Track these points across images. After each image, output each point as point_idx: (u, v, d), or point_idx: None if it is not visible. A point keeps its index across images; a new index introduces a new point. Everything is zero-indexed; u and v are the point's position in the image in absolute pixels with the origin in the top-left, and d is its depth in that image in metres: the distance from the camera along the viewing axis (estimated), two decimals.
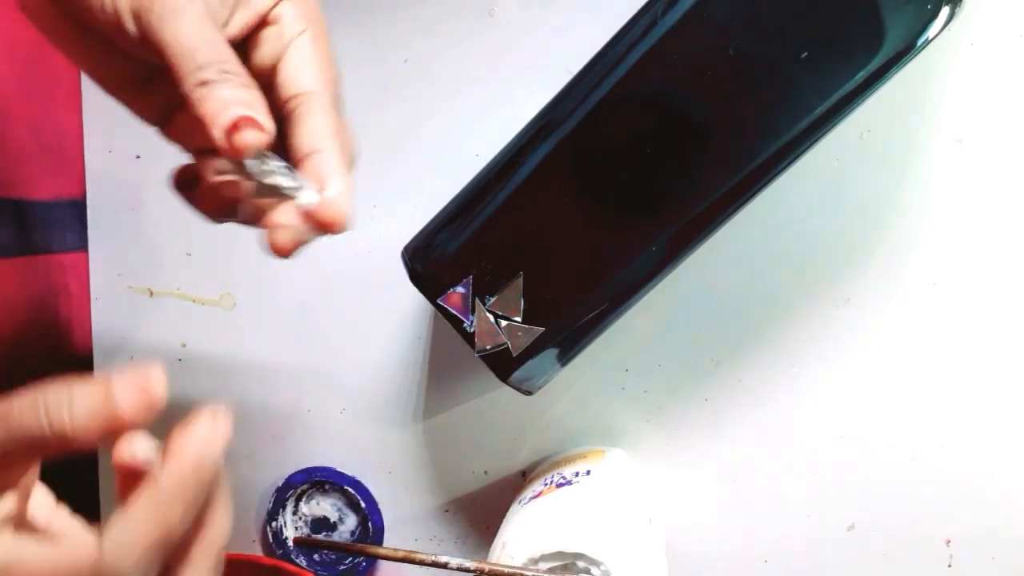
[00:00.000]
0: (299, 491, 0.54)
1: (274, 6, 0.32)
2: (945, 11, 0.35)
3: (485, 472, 0.52)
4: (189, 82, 0.28)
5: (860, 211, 0.45)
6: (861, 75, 0.36)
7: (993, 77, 0.43)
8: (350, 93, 0.49)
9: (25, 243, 0.49)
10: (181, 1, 0.29)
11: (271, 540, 0.54)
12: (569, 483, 0.44)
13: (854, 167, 0.44)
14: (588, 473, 0.45)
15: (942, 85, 0.43)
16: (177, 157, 0.35)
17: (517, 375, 0.42)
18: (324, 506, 0.54)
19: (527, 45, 0.46)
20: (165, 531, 0.26)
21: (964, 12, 0.36)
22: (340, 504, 0.54)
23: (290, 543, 0.54)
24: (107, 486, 0.55)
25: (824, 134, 0.37)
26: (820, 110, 0.37)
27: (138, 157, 0.51)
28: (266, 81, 0.32)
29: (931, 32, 0.36)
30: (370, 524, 0.53)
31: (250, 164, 0.30)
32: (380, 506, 0.53)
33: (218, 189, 0.32)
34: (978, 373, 0.45)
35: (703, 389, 0.48)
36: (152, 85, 0.33)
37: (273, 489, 0.53)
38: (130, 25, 0.29)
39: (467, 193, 0.41)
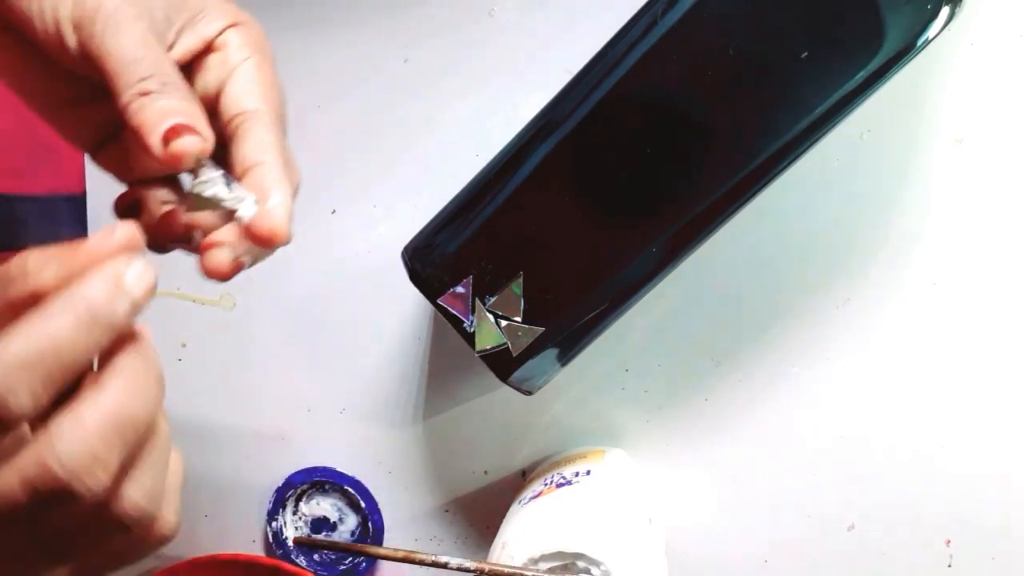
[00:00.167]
0: (299, 491, 0.54)
1: (220, 33, 0.31)
2: (945, 11, 0.35)
3: (485, 472, 0.52)
4: (129, 93, 0.27)
5: (860, 211, 0.45)
6: (861, 75, 0.36)
7: (993, 77, 0.43)
8: (351, 93, 0.49)
9: (12, 238, 0.49)
10: (126, 16, 0.28)
11: (271, 540, 0.54)
12: (569, 483, 0.44)
13: (854, 167, 0.44)
14: (588, 473, 0.45)
15: (942, 85, 0.43)
16: None
17: (517, 375, 0.42)
18: (324, 506, 0.54)
19: (527, 45, 0.46)
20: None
21: (964, 12, 0.36)
22: (340, 504, 0.54)
23: (290, 543, 0.54)
24: None
25: (824, 134, 0.37)
26: (820, 110, 0.37)
27: None
28: (210, 108, 0.31)
29: (931, 32, 0.36)
30: (370, 524, 0.53)
31: (188, 179, 0.29)
32: (380, 506, 0.53)
33: (162, 219, 0.31)
34: (978, 373, 0.45)
35: (703, 389, 0.48)
36: (85, 109, 0.32)
37: (273, 489, 0.53)
38: (70, 38, 0.28)
39: (467, 193, 0.41)
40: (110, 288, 0.24)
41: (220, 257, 0.29)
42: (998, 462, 0.46)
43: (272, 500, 0.53)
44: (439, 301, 0.42)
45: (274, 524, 0.54)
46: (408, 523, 0.53)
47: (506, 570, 0.40)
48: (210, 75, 0.31)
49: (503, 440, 0.51)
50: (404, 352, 0.51)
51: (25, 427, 0.24)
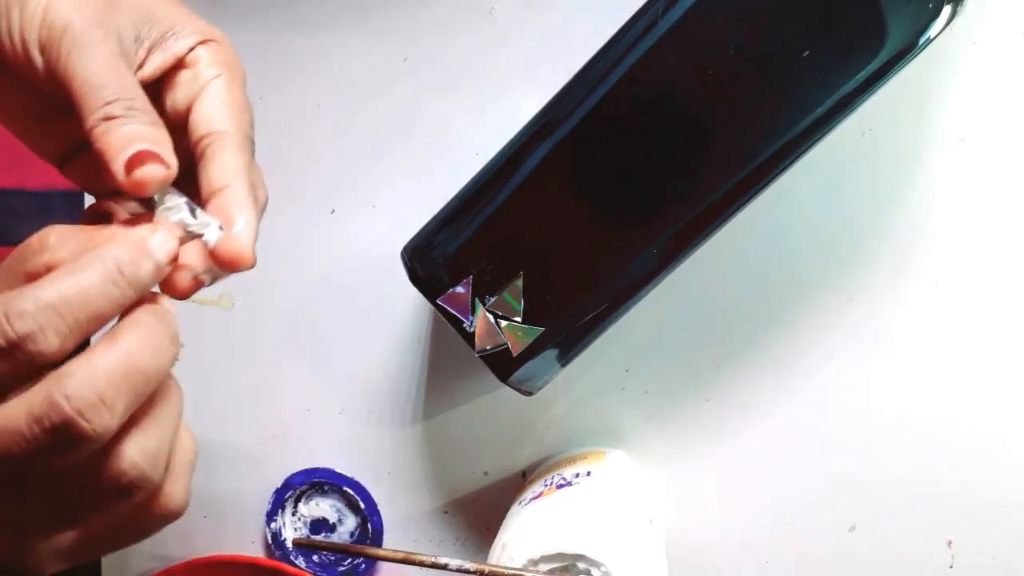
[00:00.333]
0: (298, 492, 0.53)
1: (190, 50, 0.31)
2: (947, 10, 0.35)
3: (485, 473, 0.52)
4: (94, 117, 0.28)
5: (862, 210, 0.45)
6: (862, 74, 0.36)
7: (995, 76, 0.42)
8: (351, 92, 0.49)
9: (5, 232, 0.49)
10: (92, 39, 0.28)
11: (270, 541, 0.54)
12: (569, 484, 0.44)
13: (856, 166, 0.44)
14: (588, 474, 0.45)
15: (944, 84, 0.43)
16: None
17: (517, 375, 0.42)
18: (323, 507, 0.54)
19: (527, 44, 0.46)
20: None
21: (966, 11, 0.36)
22: (339, 505, 0.54)
23: (289, 544, 0.54)
24: None
25: (826, 133, 0.37)
26: (821, 109, 0.37)
27: None
28: (179, 125, 0.31)
29: (932, 31, 0.36)
30: (369, 525, 0.53)
31: (154, 202, 0.29)
32: (379, 507, 0.53)
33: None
34: (980, 372, 0.45)
35: (703, 390, 0.48)
36: (53, 123, 0.32)
37: (272, 490, 0.53)
38: (37, 58, 0.28)
39: (467, 193, 0.41)
40: (136, 249, 0.26)
41: (184, 278, 0.29)
42: (1000, 462, 0.46)
43: (271, 501, 0.53)
44: (439, 301, 0.42)
45: (273, 525, 0.54)
46: (407, 524, 0.53)
47: (506, 571, 0.40)
48: (180, 92, 0.31)
49: (503, 441, 0.51)
50: (404, 352, 0.51)
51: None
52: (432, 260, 0.42)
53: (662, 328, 0.47)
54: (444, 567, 0.42)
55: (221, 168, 0.30)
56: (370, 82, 0.48)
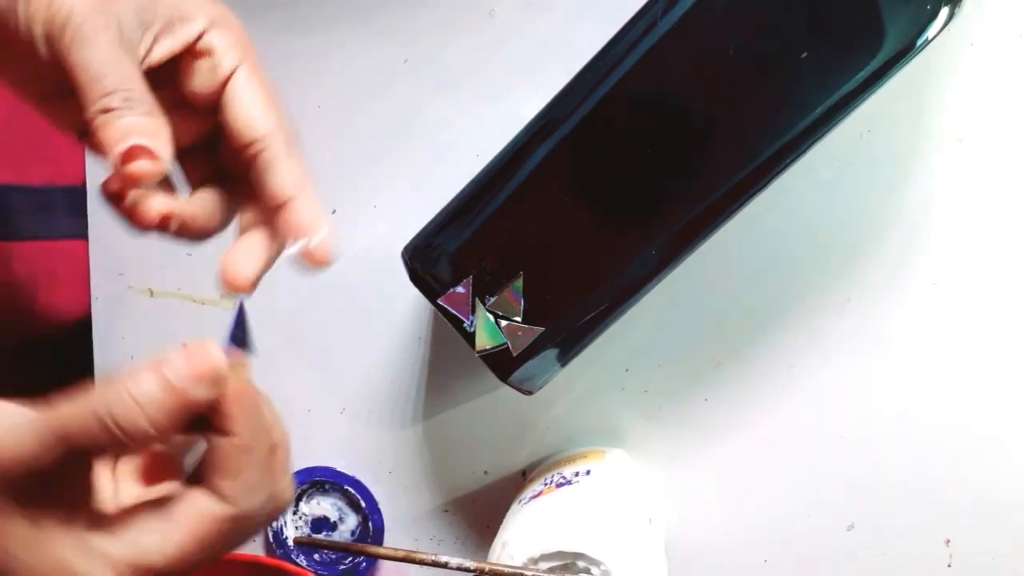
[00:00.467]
0: (299, 491, 0.54)
1: (201, 35, 0.31)
2: (944, 11, 0.35)
3: (485, 472, 0.52)
4: (93, 109, 0.28)
5: (860, 211, 0.45)
6: (861, 75, 0.36)
7: (993, 77, 0.42)
8: (351, 93, 0.49)
9: (5, 228, 0.49)
10: (94, 26, 0.28)
11: (271, 540, 0.54)
12: (569, 483, 0.44)
13: (854, 167, 0.44)
14: (588, 473, 0.45)
15: (942, 85, 0.43)
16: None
17: (517, 375, 0.42)
18: (324, 506, 0.54)
19: (527, 45, 0.46)
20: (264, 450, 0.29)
21: (963, 12, 0.36)
22: (340, 504, 0.54)
23: (290, 543, 0.54)
24: None
25: (824, 134, 0.37)
26: (820, 110, 0.37)
27: None
28: (199, 108, 0.32)
29: (931, 32, 0.36)
30: (370, 524, 0.53)
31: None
32: (380, 506, 0.53)
33: (138, 203, 0.32)
34: (979, 373, 0.45)
35: (703, 389, 0.48)
36: (72, 99, 0.32)
37: None
38: (42, 49, 0.29)
39: (467, 193, 0.41)
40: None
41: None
42: (998, 462, 0.46)
43: None
44: (439, 301, 0.42)
45: (274, 524, 0.54)
46: (408, 523, 0.53)
47: (506, 570, 0.40)
48: (199, 79, 0.32)
49: (503, 440, 0.51)
50: (404, 352, 0.51)
51: None
52: (433, 260, 0.42)
53: (662, 327, 0.47)
54: (444, 565, 0.42)
55: (282, 179, 0.32)
56: (370, 83, 0.48)
